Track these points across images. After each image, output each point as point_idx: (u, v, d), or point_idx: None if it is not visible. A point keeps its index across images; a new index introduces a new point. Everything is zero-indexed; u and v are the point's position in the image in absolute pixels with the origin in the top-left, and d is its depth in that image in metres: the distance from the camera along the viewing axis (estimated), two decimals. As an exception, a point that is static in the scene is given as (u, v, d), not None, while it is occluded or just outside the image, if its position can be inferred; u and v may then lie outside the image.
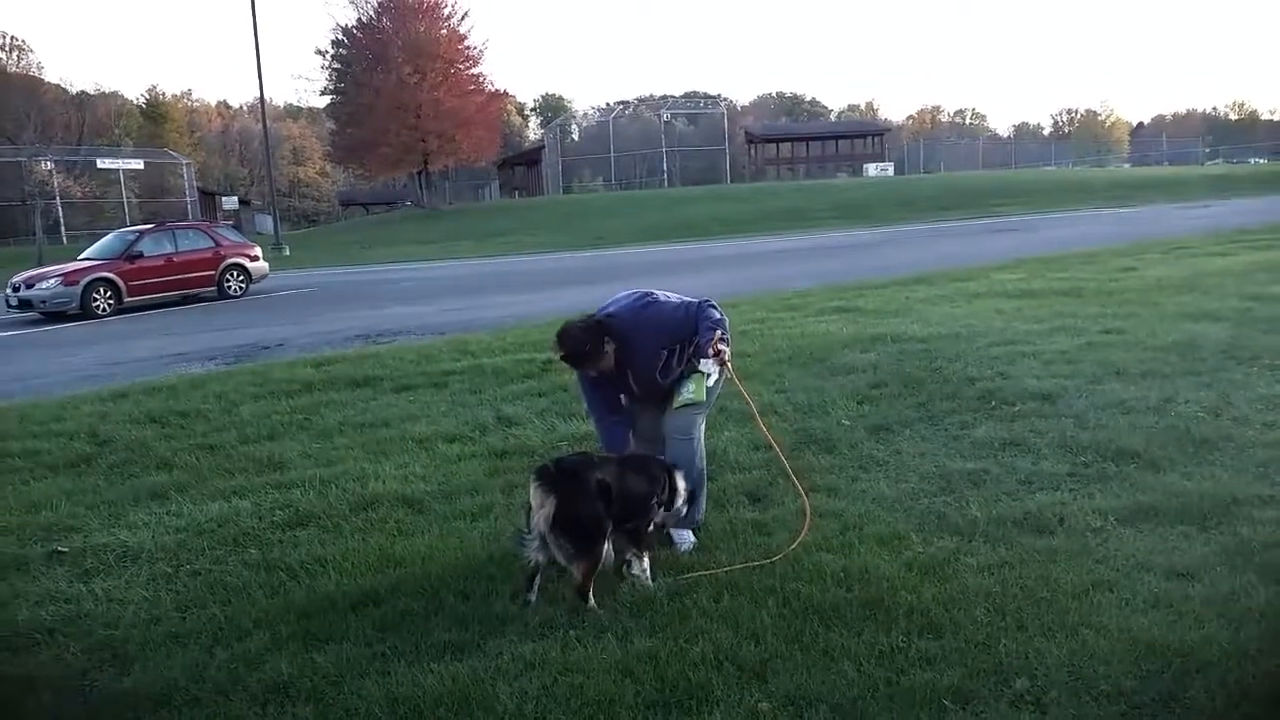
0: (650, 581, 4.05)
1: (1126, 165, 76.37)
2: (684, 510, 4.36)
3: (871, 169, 65.27)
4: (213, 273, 20.34)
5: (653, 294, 4.71)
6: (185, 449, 6.67)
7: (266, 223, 51.37)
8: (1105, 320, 9.11)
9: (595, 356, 4.50)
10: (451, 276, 23.34)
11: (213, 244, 20.75)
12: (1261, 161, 67.36)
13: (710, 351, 4.37)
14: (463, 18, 53.75)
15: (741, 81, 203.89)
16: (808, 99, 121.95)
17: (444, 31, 52.81)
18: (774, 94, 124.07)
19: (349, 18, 53.43)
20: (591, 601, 3.82)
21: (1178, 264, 13.69)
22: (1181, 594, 3.64)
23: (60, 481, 6.16)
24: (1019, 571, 3.90)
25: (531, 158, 76.97)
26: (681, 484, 4.32)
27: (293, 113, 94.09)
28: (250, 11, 39.21)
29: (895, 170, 66.83)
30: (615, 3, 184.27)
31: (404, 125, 50.28)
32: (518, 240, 36.19)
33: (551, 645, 3.54)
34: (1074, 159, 78.05)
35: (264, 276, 21.66)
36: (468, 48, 54.10)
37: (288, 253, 36.41)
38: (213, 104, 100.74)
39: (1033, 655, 3.28)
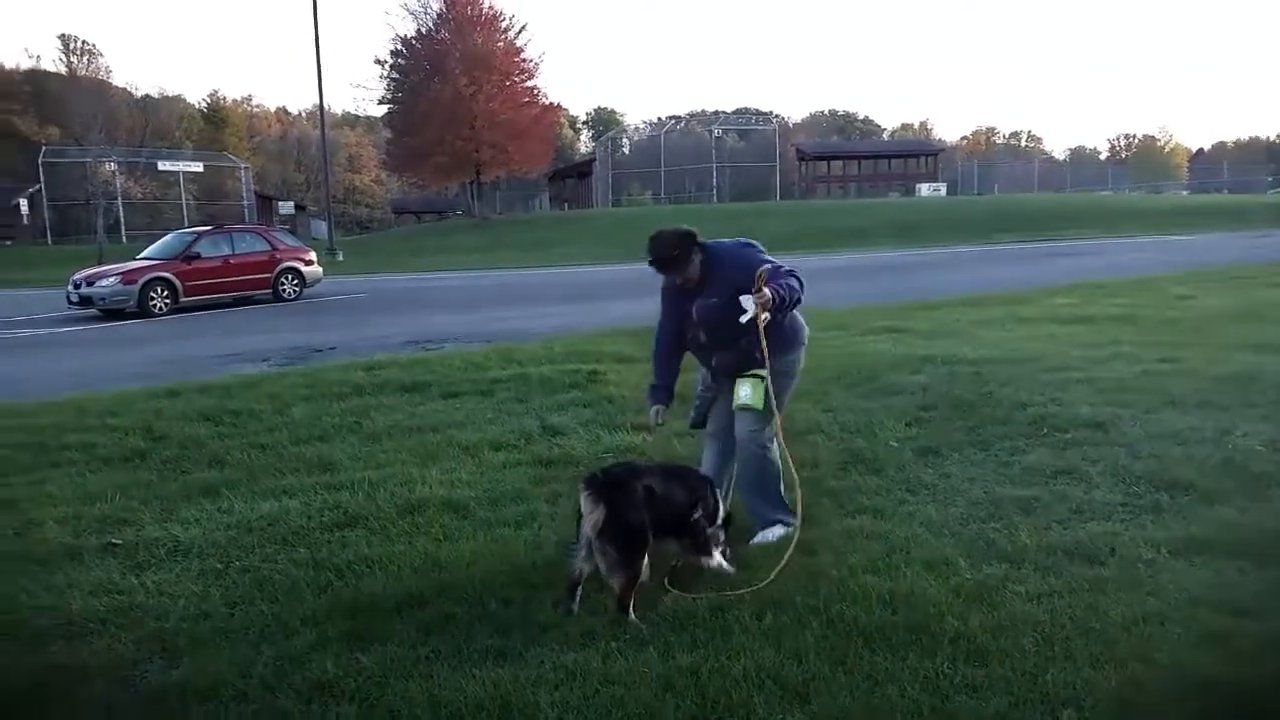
0: (730, 568, 4.21)
1: (1185, 192, 75.05)
2: (721, 536, 4.35)
3: (924, 189, 64.82)
4: (268, 275, 20.70)
5: (756, 244, 4.78)
6: (237, 447, 6.79)
7: (321, 228, 52.22)
8: (1161, 349, 8.95)
9: (682, 263, 4.62)
10: (500, 285, 23.54)
11: (269, 247, 21.12)
12: (1326, 191, 65.83)
13: (757, 288, 4.39)
14: (520, 30, 54.27)
15: (794, 98, 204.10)
16: (860, 117, 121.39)
17: (501, 44, 53.30)
18: (826, 112, 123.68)
19: (408, 29, 54.22)
20: (633, 615, 3.82)
21: (1237, 293, 13.44)
22: (1237, 630, 3.55)
23: (114, 475, 6.29)
24: (1068, 601, 3.83)
25: (582, 170, 77.38)
26: (721, 501, 4.36)
27: (350, 121, 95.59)
28: (312, 21, 39.91)
29: (948, 191, 66.27)
30: (669, 18, 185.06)
31: (459, 135, 50.75)
32: (567, 251, 36.38)
33: (593, 656, 3.54)
34: (1131, 184, 76.85)
35: (318, 281, 21.99)
36: (524, 60, 54.51)
37: (341, 258, 36.93)
38: (272, 110, 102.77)
39: (1081, 686, 3.22)
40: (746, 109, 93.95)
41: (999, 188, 70.76)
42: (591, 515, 3.80)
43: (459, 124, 50.44)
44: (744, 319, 4.47)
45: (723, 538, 4.38)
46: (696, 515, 4.18)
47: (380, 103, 57.34)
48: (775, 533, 4.75)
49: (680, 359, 5.02)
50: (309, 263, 21.74)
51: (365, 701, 3.31)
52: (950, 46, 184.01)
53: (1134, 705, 3.12)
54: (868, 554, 4.37)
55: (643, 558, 3.91)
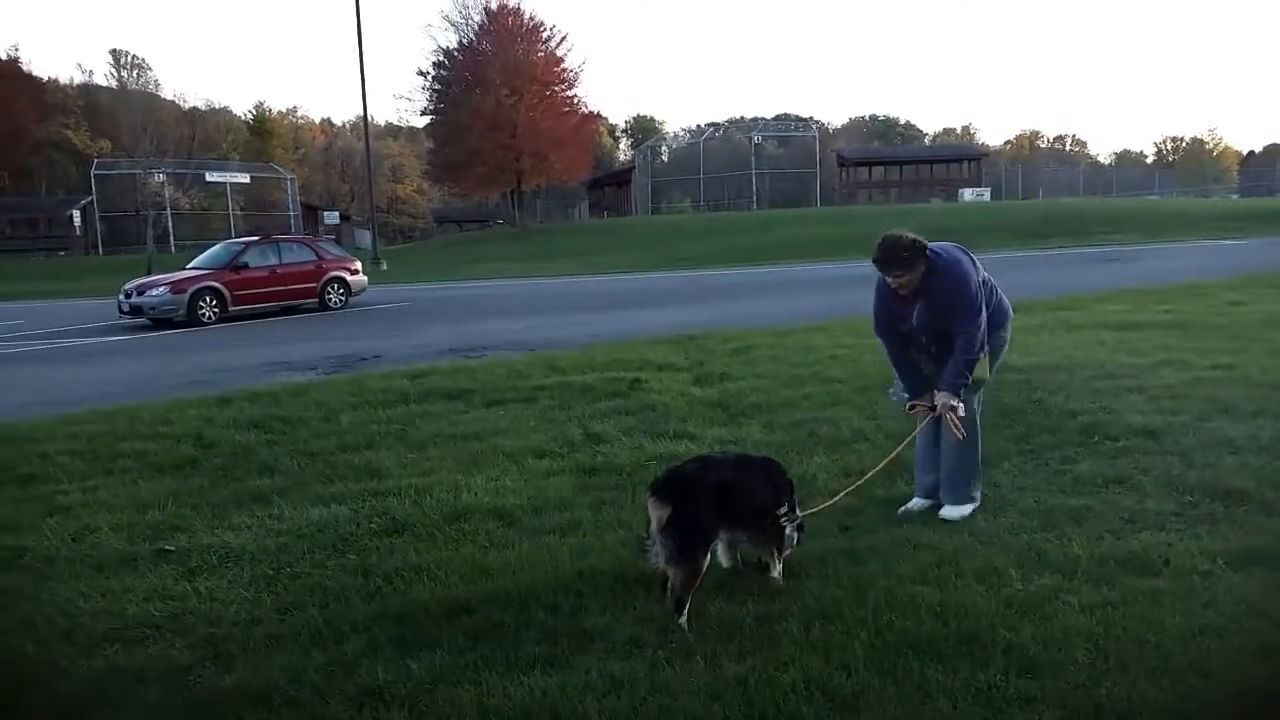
0: (782, 582, 4.21)
1: (1235, 195, 73.58)
2: (795, 539, 4.38)
3: (967, 194, 64.03)
4: (314, 285, 20.92)
5: (969, 257, 4.92)
6: (286, 454, 6.87)
7: (365, 238, 52.80)
8: (1213, 355, 8.77)
9: (906, 266, 4.72)
10: (541, 294, 23.64)
11: (315, 257, 21.35)
12: (1383, 194, 64.23)
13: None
14: (561, 40, 54.60)
15: (834, 104, 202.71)
16: (902, 122, 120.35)
17: (542, 54, 53.69)
18: (867, 117, 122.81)
19: (450, 40, 54.68)
20: (684, 617, 3.82)
21: (1291, 299, 13.14)
22: (1298, 644, 3.47)
23: (167, 482, 6.39)
24: (1122, 612, 3.76)
25: (621, 178, 77.55)
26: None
27: (393, 131, 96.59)
28: (356, 33, 40.35)
29: (992, 196, 65.48)
30: (708, 25, 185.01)
31: (499, 145, 51.14)
32: (606, 259, 36.48)
33: (639, 665, 3.54)
34: (1178, 188, 75.50)
35: (363, 290, 22.20)
36: (564, 70, 54.92)
37: (385, 267, 37.30)
38: (317, 121, 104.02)
39: (1136, 699, 3.16)
40: (786, 115, 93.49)
41: (1043, 192, 69.87)
42: (658, 512, 3.86)
43: (500, 134, 50.86)
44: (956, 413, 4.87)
45: (797, 540, 4.39)
46: (781, 512, 4.24)
47: (423, 114, 58.10)
48: (964, 510, 4.99)
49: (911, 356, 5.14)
50: (354, 272, 21.95)
51: (414, 708, 3.33)
52: (993, 50, 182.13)
53: (1191, 718, 3.06)
54: (917, 564, 4.33)
55: (705, 554, 3.93)
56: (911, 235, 4.75)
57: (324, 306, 20.93)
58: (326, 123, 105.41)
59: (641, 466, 6.09)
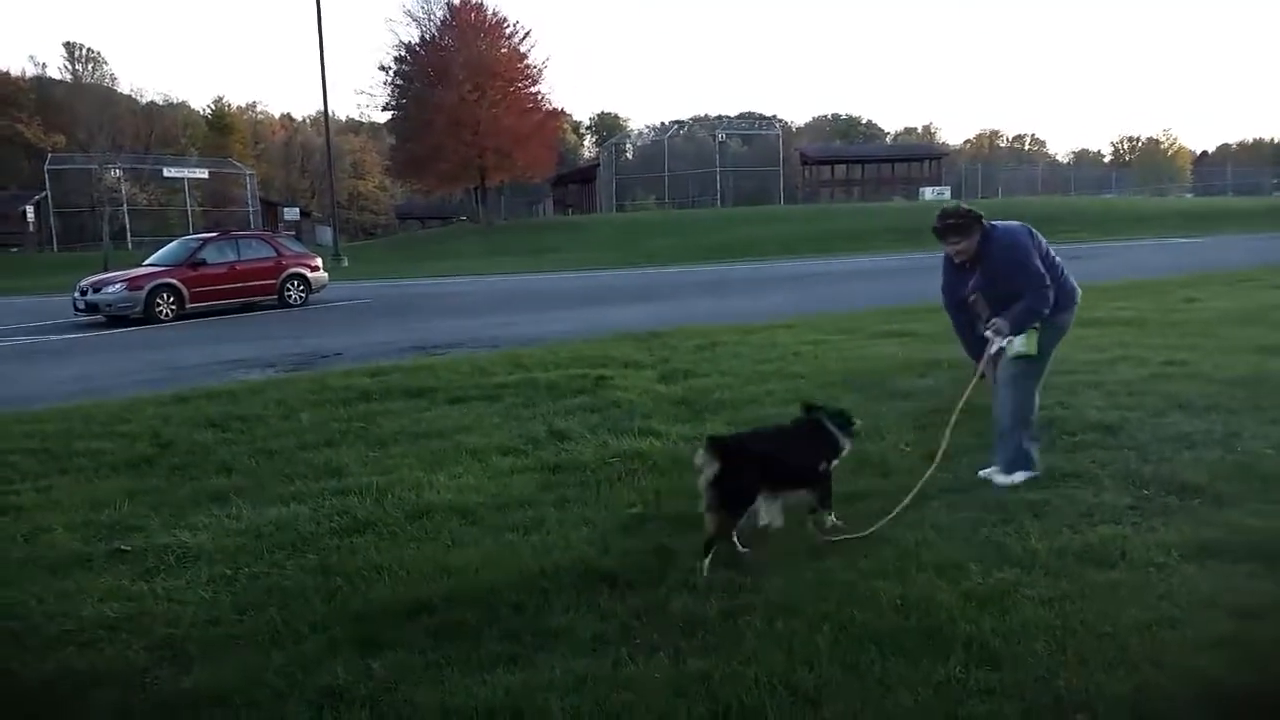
0: (828, 522, 4.68)
1: (1189, 195, 74.89)
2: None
3: (928, 192, 64.61)
4: (273, 281, 20.70)
5: (1033, 235, 5.33)
6: (245, 453, 6.80)
7: (326, 234, 52.29)
8: (1168, 351, 8.92)
9: (962, 233, 5.19)
10: (504, 291, 23.55)
11: (274, 253, 21.13)
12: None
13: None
14: (524, 36, 54.36)
15: (797, 103, 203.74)
16: (864, 121, 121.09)
17: (505, 50, 53.43)
18: (829, 116, 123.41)
19: (412, 35, 54.25)
20: (707, 560, 4.24)
21: (1243, 296, 13.39)
22: (1249, 635, 3.53)
23: (123, 481, 6.30)
24: (1080, 605, 3.81)
25: (586, 175, 77.45)
26: (847, 444, 4.83)
27: (354, 127, 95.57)
28: (316, 27, 40.00)
29: (952, 194, 66.00)
30: (672, 23, 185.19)
31: (462, 141, 50.86)
32: (571, 257, 36.41)
33: (603, 662, 3.54)
34: (1135, 187, 76.68)
35: (323, 287, 22.01)
36: (528, 66, 54.68)
37: (346, 264, 37.03)
38: (276, 116, 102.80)
39: (1093, 690, 3.21)
40: (750, 113, 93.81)
41: (1002, 191, 70.71)
42: (707, 469, 4.27)
43: (462, 130, 50.57)
44: (991, 350, 5.25)
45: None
46: (824, 468, 4.64)
47: (384, 109, 57.62)
48: (1019, 477, 5.31)
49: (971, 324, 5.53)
50: (314, 269, 21.74)
51: (376, 708, 3.31)
52: (954, 50, 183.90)
53: (1147, 709, 3.11)
54: (878, 558, 4.36)
55: (742, 512, 4.36)
56: (967, 207, 5.28)
57: (284, 304, 20.70)
58: (287, 118, 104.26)
59: (605, 464, 6.09)
